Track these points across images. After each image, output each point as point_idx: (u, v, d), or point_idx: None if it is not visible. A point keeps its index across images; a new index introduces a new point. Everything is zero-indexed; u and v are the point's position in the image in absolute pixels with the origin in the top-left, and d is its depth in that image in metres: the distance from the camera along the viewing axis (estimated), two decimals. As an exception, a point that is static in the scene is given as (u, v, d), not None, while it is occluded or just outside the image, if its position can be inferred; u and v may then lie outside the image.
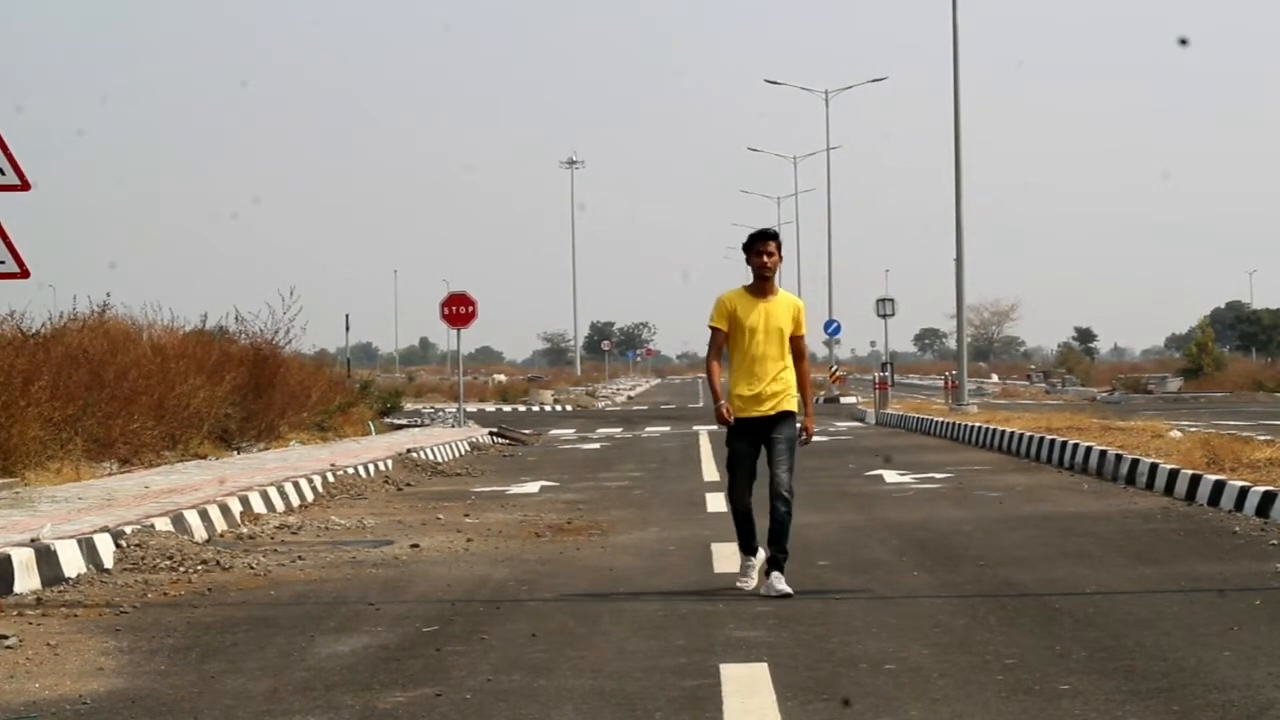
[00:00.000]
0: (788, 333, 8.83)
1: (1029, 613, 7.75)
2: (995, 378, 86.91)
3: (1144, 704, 5.60)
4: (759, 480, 8.76)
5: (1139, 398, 51.19)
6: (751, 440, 8.78)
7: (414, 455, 20.41)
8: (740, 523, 8.90)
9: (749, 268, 8.93)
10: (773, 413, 8.74)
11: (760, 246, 8.84)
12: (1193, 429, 21.67)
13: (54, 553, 9.37)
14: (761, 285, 8.85)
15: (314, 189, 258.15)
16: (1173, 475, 14.07)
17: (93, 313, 21.53)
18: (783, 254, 8.96)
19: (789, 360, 8.86)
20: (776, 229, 9.13)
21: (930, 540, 11.10)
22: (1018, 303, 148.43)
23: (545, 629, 7.48)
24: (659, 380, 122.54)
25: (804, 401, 8.91)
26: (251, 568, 9.99)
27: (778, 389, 8.78)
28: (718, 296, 8.91)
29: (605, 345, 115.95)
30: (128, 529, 10.48)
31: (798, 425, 8.86)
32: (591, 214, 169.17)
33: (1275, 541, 10.29)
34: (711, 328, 8.91)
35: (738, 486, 8.81)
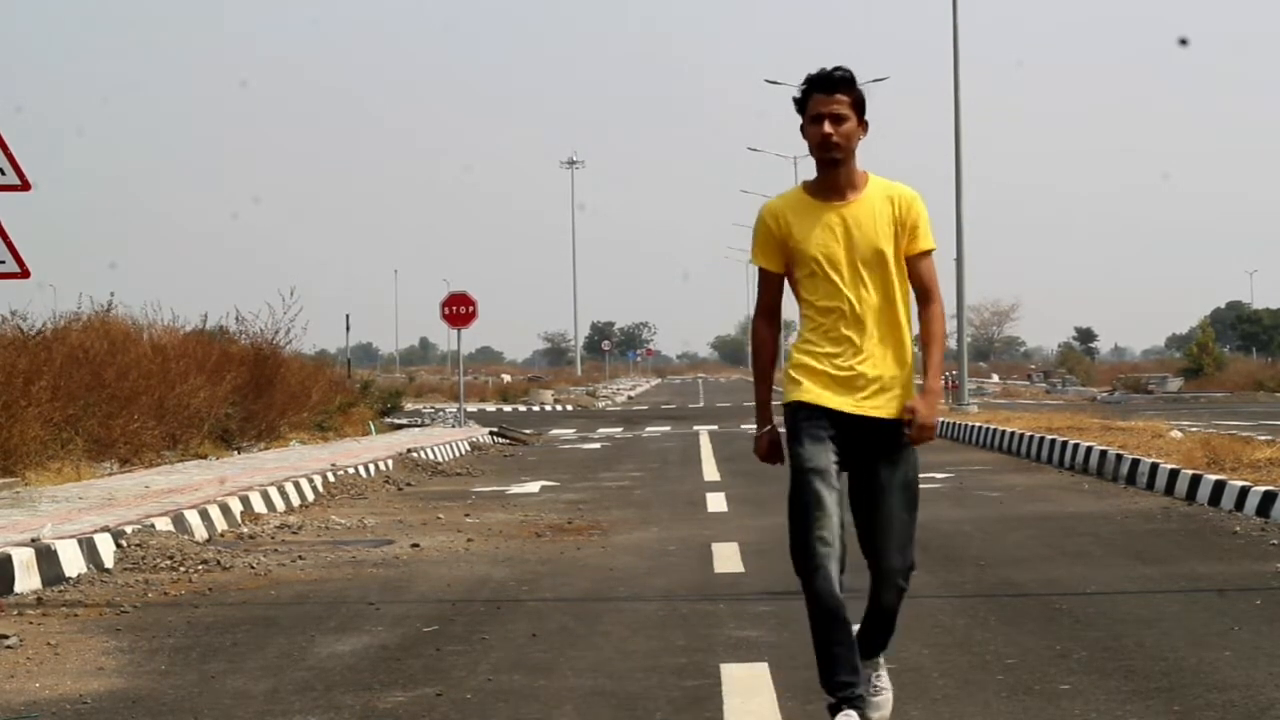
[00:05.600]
0: (894, 252, 5.01)
1: (1029, 613, 7.75)
2: (996, 378, 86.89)
3: (1144, 704, 5.61)
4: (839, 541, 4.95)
5: (1139, 398, 51.18)
6: (832, 444, 4.95)
7: (414, 455, 20.41)
8: (824, 621, 4.89)
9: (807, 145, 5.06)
10: (875, 414, 4.96)
11: (820, 103, 4.99)
12: (1193, 429, 21.67)
13: (54, 552, 9.38)
14: (831, 176, 5.02)
15: (314, 189, 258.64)
16: (1173, 475, 14.07)
17: (95, 313, 21.56)
18: (866, 121, 5.05)
19: (904, 310, 5.05)
20: (851, 72, 5.06)
21: (930, 540, 11.09)
22: (1018, 303, 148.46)
23: (545, 629, 7.49)
24: (659, 380, 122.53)
25: (926, 364, 5.11)
26: (252, 567, 9.99)
27: (887, 371, 4.99)
28: (760, 209, 5.17)
29: (605, 345, 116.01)
30: (128, 529, 10.48)
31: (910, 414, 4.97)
32: (591, 214, 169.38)
33: (1276, 541, 10.29)
34: (758, 268, 5.16)
35: (812, 538, 4.85)
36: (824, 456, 4.92)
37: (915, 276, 5.08)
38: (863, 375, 4.97)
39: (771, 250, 5.10)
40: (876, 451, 5.00)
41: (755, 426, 5.28)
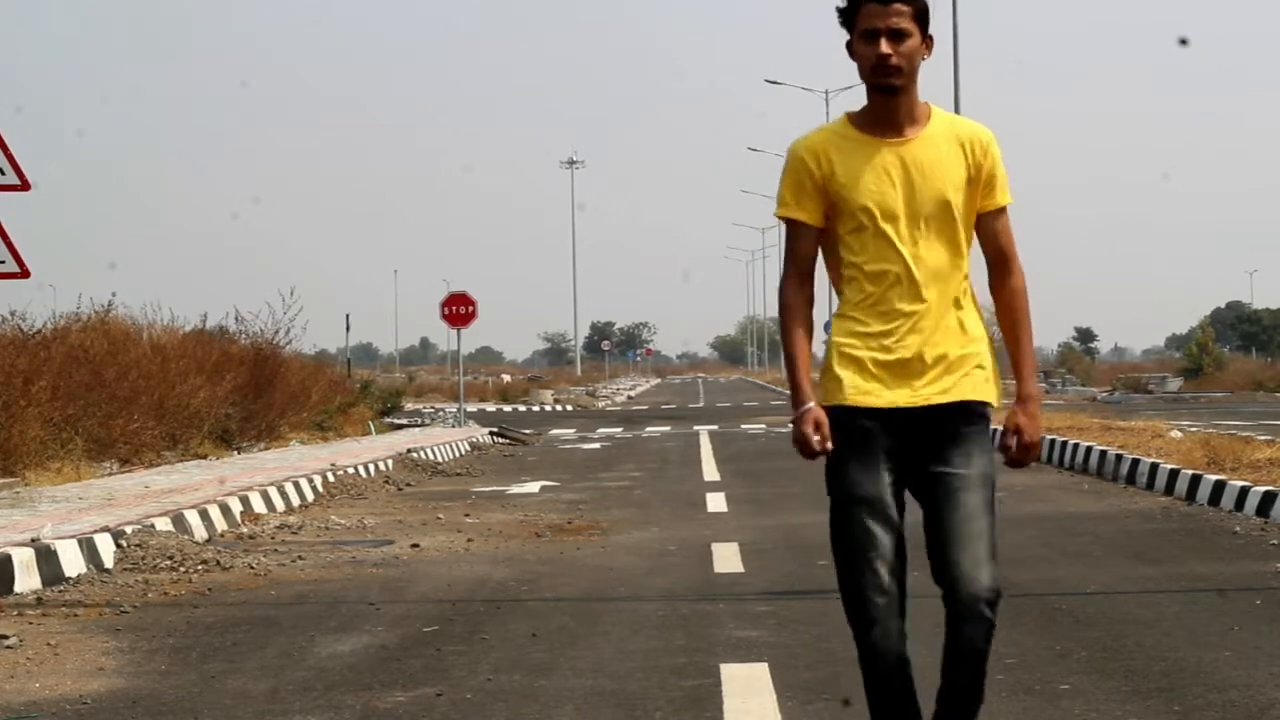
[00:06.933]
0: (964, 204, 4.00)
1: (1029, 613, 7.74)
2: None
3: (1144, 704, 5.61)
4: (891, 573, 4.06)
5: (1139, 397, 51.14)
6: (886, 461, 3.97)
7: (414, 455, 20.41)
8: (882, 684, 4.19)
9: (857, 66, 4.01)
10: (942, 400, 3.98)
11: (875, 15, 3.92)
12: (1193, 429, 21.66)
13: (54, 552, 9.37)
14: (887, 106, 4.00)
15: (314, 189, 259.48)
16: (1173, 475, 14.07)
17: (95, 313, 21.56)
18: (931, 37, 3.99)
19: (963, 268, 4.04)
20: None
21: (930, 540, 11.09)
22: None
23: (545, 629, 7.48)
24: (659, 380, 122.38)
25: (1016, 362, 4.11)
26: (252, 567, 9.99)
27: (952, 348, 4.00)
28: (791, 146, 4.08)
29: (605, 345, 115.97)
30: (128, 529, 10.48)
31: (995, 431, 4.06)
32: (591, 214, 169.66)
33: (1275, 541, 10.29)
34: (783, 219, 4.08)
35: (864, 583, 3.97)
36: (874, 482, 3.94)
37: (988, 238, 4.07)
38: (920, 356, 3.96)
39: (810, 197, 4.01)
40: (946, 441, 3.97)
41: (791, 407, 3.99)
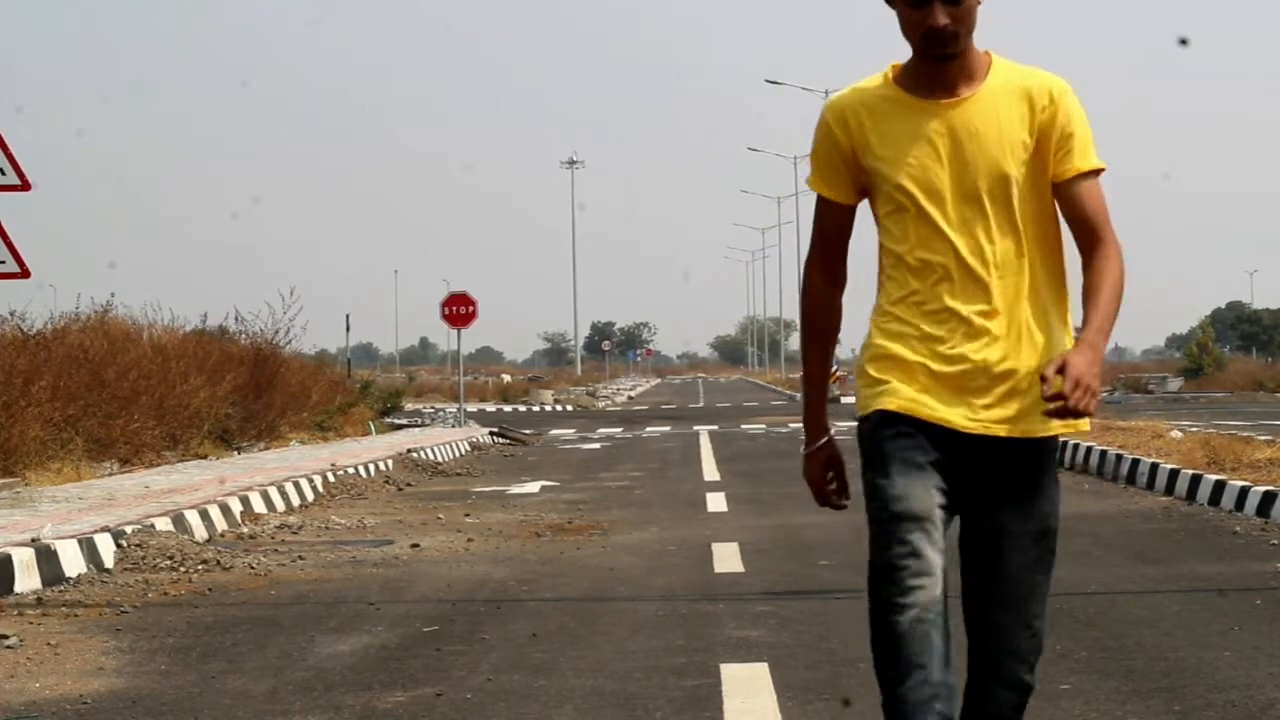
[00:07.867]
0: (1029, 176, 3.28)
1: (1029, 613, 7.74)
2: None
3: (1144, 704, 5.61)
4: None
5: (1139, 398, 51.12)
6: (937, 478, 3.26)
7: (414, 455, 20.41)
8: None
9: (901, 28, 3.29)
10: (1006, 433, 3.27)
11: None
12: (1193, 429, 21.63)
13: (54, 552, 9.37)
14: (939, 68, 3.28)
15: (314, 189, 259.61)
16: (1173, 475, 14.07)
17: (95, 313, 21.59)
18: None
19: (1052, 262, 3.35)
20: None
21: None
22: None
23: (545, 629, 7.48)
24: (659, 380, 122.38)
25: (1088, 314, 3.20)
26: (252, 567, 9.99)
27: (1023, 363, 3.26)
28: (824, 106, 3.42)
29: (606, 345, 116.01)
30: (128, 529, 10.48)
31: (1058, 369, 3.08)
32: (591, 214, 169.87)
33: (1276, 541, 10.29)
34: (817, 195, 3.44)
35: (901, 614, 3.26)
36: (922, 496, 3.22)
37: (1072, 208, 3.30)
38: (983, 369, 3.24)
39: (836, 169, 3.36)
40: (1004, 483, 3.32)
41: (805, 441, 3.47)
